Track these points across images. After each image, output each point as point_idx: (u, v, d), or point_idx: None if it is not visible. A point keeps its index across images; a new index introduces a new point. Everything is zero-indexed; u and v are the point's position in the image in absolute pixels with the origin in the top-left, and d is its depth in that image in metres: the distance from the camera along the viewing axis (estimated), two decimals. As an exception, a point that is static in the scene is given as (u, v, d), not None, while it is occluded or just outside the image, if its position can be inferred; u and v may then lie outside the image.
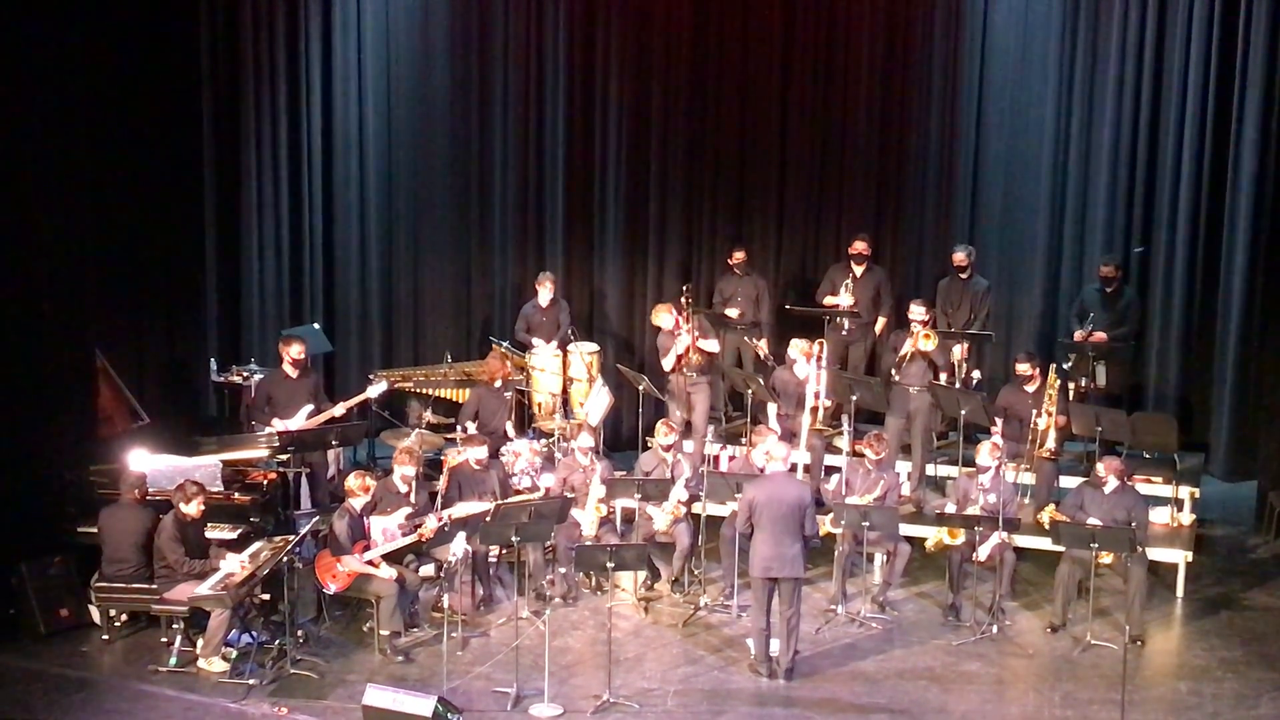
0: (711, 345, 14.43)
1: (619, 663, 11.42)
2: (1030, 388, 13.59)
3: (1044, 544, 12.69)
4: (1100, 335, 14.27)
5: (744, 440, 13.99)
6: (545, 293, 15.27)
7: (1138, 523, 12.06)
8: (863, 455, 12.90)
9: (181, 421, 14.43)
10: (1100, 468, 12.32)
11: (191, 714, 10.79)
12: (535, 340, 15.20)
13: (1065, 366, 13.97)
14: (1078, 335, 14.35)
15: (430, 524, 12.00)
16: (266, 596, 11.81)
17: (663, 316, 14.45)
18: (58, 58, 12.76)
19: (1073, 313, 14.81)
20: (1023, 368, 13.65)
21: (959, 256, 14.80)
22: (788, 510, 11.16)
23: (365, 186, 16.36)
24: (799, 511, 11.20)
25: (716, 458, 14.03)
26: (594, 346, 15.50)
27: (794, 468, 13.28)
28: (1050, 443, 13.33)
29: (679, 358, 14.33)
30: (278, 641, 11.48)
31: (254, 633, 11.59)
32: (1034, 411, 13.44)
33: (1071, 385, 14.09)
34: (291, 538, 11.72)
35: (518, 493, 12.75)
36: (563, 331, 15.26)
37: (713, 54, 16.12)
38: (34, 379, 12.59)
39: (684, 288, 14.68)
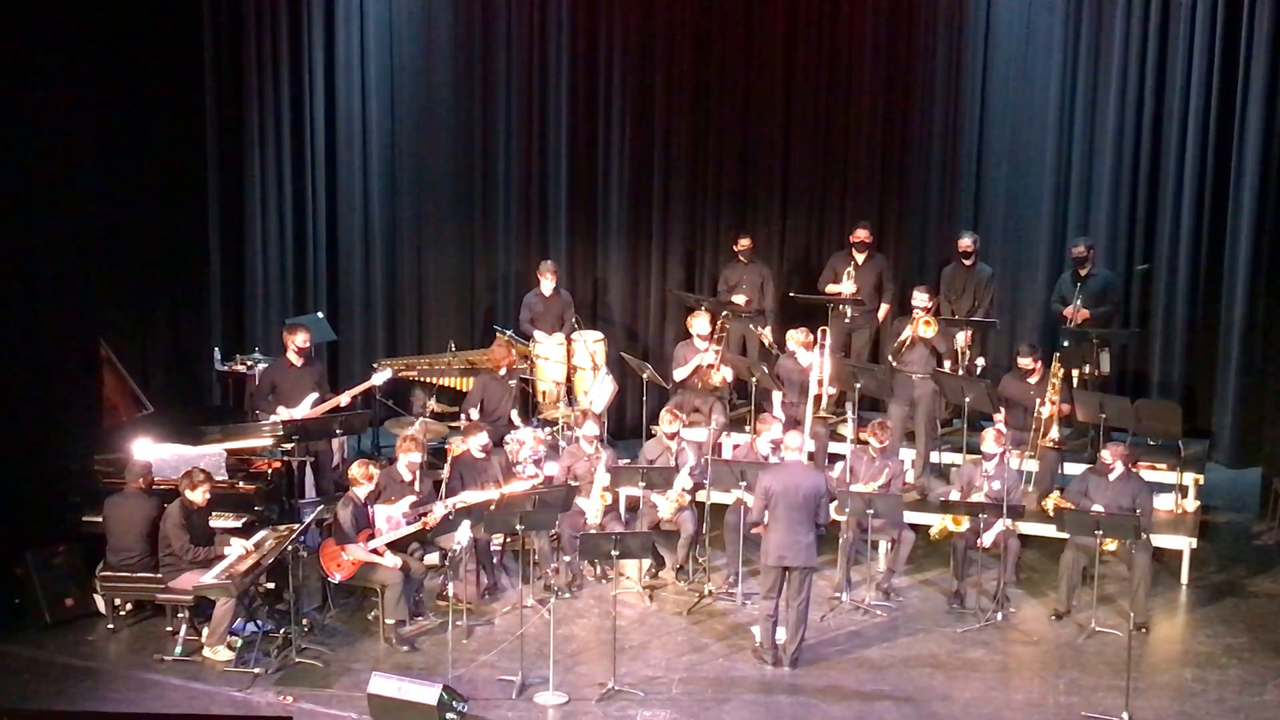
0: (728, 373, 14.40)
1: (624, 651, 11.43)
2: (1033, 379, 13.58)
3: (1048, 531, 12.69)
4: (1084, 313, 14.23)
5: (748, 428, 13.99)
6: (547, 282, 15.26)
7: (1142, 509, 12.06)
8: (867, 443, 12.90)
9: (186, 411, 14.40)
10: (1106, 454, 12.30)
11: (197, 703, 10.79)
12: (538, 332, 15.19)
13: (1064, 344, 13.97)
14: (1067, 312, 14.31)
15: (439, 511, 12.00)
16: (271, 585, 11.82)
17: (701, 322, 14.40)
18: (62, 49, 12.74)
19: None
20: (1024, 361, 13.61)
21: (965, 242, 14.79)
22: (803, 499, 11.16)
23: (368, 175, 16.34)
24: (814, 501, 11.20)
25: (719, 445, 14.02)
26: (598, 335, 15.50)
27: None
28: (1054, 432, 13.32)
29: (696, 370, 14.30)
30: (283, 630, 11.49)
31: (259, 621, 11.61)
32: (1037, 400, 13.44)
33: (1075, 372, 14.09)
34: (296, 526, 11.74)
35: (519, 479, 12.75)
36: (566, 325, 15.24)
37: (716, 40, 16.11)
38: (39, 369, 12.59)
39: (724, 314, 14.68)
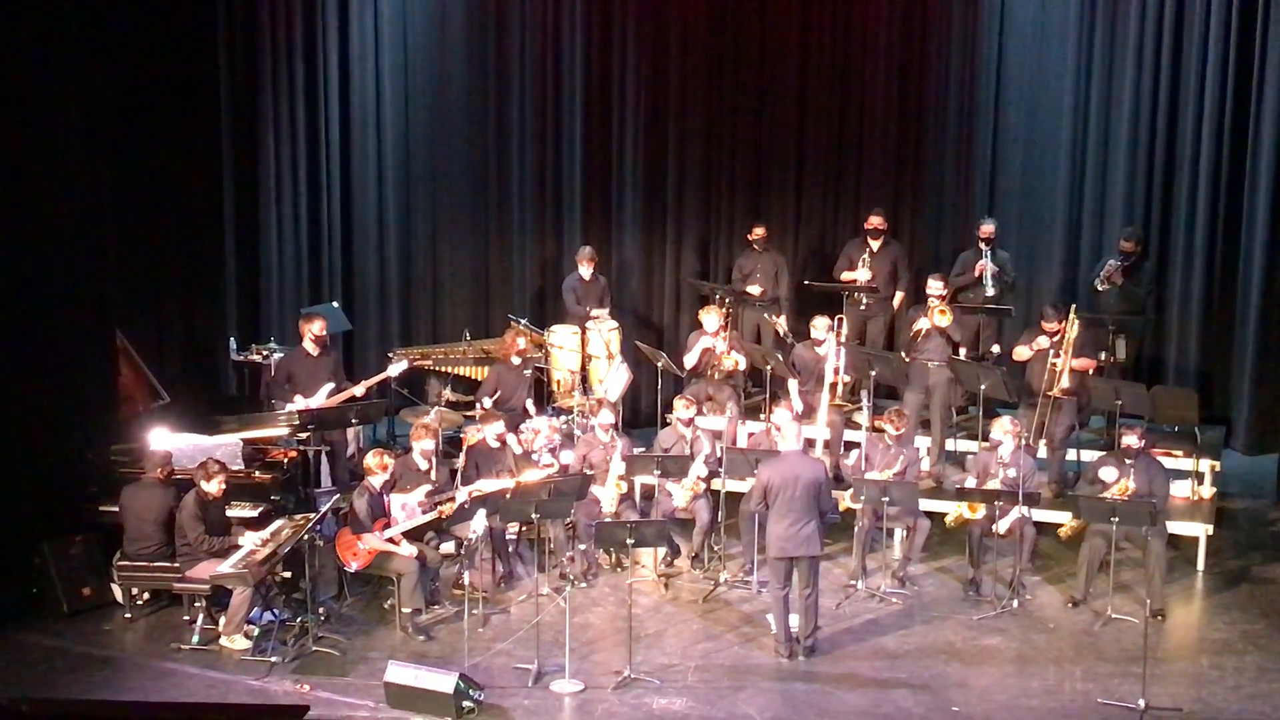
0: (740, 360, 14.38)
1: (639, 639, 11.45)
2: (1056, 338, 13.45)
3: (1064, 518, 12.67)
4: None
5: (763, 416, 13.99)
6: (585, 268, 15.33)
7: (1158, 495, 12.03)
8: (882, 431, 12.89)
9: (202, 400, 14.43)
10: (1134, 438, 12.20)
11: (214, 692, 10.83)
12: (590, 310, 15.22)
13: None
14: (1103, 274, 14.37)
15: (460, 497, 12.01)
16: (288, 574, 11.85)
17: (711, 319, 14.40)
18: (76, 41, 12.76)
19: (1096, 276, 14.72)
20: (1050, 325, 13.47)
21: (987, 228, 14.72)
22: (803, 489, 11.12)
23: (383, 165, 16.35)
24: (814, 490, 11.15)
25: (734, 433, 14.02)
26: (613, 323, 15.49)
27: (811, 443, 13.28)
28: (1065, 381, 13.22)
29: (704, 353, 14.29)
30: (299, 619, 11.52)
31: (276, 610, 11.63)
32: (1051, 353, 13.33)
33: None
34: (312, 516, 11.76)
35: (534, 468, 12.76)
36: (607, 305, 15.28)
37: (730, 30, 16.09)
38: (55, 359, 12.64)
39: (725, 307, 14.68)
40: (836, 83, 16.02)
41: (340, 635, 11.57)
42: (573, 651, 11.01)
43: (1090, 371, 13.56)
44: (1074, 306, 13.55)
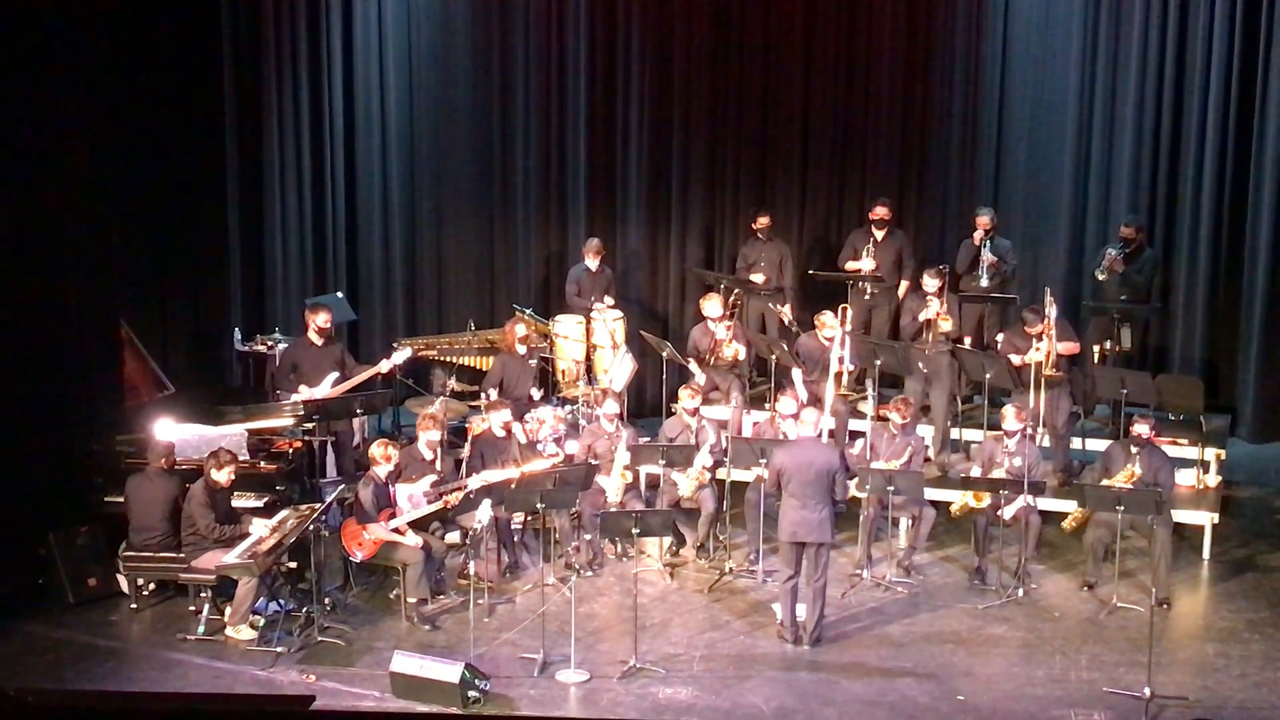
0: (740, 350, 14.38)
1: (645, 628, 11.45)
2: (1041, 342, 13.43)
3: (1069, 507, 12.67)
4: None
5: (768, 405, 13.98)
6: (592, 260, 15.30)
7: (1163, 485, 12.02)
8: (887, 419, 12.88)
9: (207, 391, 14.46)
10: (1145, 429, 12.18)
11: (220, 682, 10.84)
12: (593, 303, 15.19)
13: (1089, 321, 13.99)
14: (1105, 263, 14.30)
15: (473, 484, 11.99)
16: (293, 565, 11.84)
17: (713, 305, 14.39)
18: (81, 33, 12.75)
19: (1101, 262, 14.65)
20: (1033, 327, 13.46)
21: (983, 220, 14.68)
22: (815, 475, 11.14)
23: (387, 155, 16.34)
24: (827, 477, 11.17)
25: (739, 422, 14.01)
26: (618, 313, 15.48)
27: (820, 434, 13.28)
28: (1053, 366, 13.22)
29: (711, 349, 14.30)
30: (305, 609, 11.53)
31: (281, 601, 11.65)
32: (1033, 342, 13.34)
33: (1097, 348, 14.06)
34: (317, 506, 11.76)
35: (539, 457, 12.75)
36: (611, 297, 15.27)
37: (735, 18, 16.06)
38: (60, 350, 12.64)
39: (732, 298, 14.65)
40: (841, 72, 15.98)
41: (346, 625, 11.57)
42: (578, 641, 11.01)
43: (1077, 354, 13.56)
44: (1048, 290, 13.51)
